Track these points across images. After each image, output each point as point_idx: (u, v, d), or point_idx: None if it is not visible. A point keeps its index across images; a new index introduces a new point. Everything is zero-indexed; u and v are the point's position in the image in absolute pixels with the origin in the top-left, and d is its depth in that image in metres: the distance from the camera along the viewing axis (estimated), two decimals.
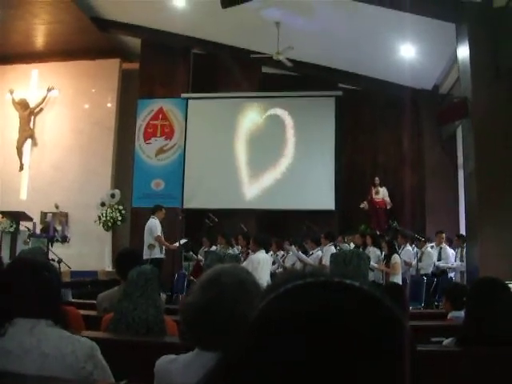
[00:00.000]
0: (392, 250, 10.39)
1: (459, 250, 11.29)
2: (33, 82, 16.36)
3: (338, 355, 0.62)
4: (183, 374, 1.92)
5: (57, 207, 15.17)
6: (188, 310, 1.99)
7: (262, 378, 0.64)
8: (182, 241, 11.63)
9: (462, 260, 10.98)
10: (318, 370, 0.62)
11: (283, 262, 11.78)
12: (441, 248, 11.64)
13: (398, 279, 9.85)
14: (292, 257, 11.61)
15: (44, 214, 14.81)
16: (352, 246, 12.07)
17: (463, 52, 9.45)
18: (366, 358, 0.63)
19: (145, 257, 9.63)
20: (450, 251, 11.67)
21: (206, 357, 1.89)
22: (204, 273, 2.10)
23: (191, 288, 2.08)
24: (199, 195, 15.32)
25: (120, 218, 14.55)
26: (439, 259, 11.53)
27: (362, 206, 14.66)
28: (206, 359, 1.86)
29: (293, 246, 11.62)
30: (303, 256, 11.33)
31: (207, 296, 1.94)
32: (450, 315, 4.71)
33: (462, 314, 4.40)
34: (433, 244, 11.89)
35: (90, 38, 14.93)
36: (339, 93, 15.51)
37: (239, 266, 2.19)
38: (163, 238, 10.88)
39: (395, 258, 10.19)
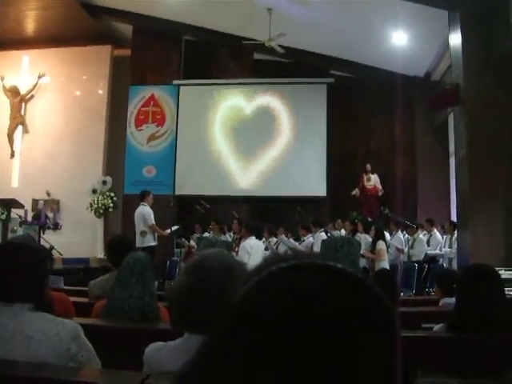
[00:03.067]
0: (378, 236, 10.35)
1: (448, 236, 11.33)
2: (23, 68, 16.27)
3: (321, 337, 0.62)
4: (173, 359, 1.93)
5: (48, 194, 15.14)
6: (173, 295, 2.04)
7: (244, 361, 0.64)
8: (174, 227, 11.62)
9: (450, 246, 11.03)
10: (300, 352, 0.61)
11: (276, 248, 11.80)
12: (430, 235, 11.70)
13: (384, 265, 9.79)
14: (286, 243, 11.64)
15: (35, 202, 14.77)
16: (343, 232, 12.11)
17: (455, 39, 9.44)
18: (349, 339, 0.63)
19: (138, 245, 9.60)
20: (440, 238, 11.71)
21: (193, 340, 1.92)
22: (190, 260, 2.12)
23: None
24: (191, 182, 15.33)
25: (112, 205, 14.56)
26: (428, 246, 11.59)
27: (353, 192, 14.69)
28: (193, 343, 1.86)
29: (283, 235, 11.65)
30: (293, 243, 11.37)
31: (192, 280, 1.97)
32: (441, 302, 4.73)
33: (453, 300, 4.43)
34: (425, 231, 11.94)
35: (80, 25, 14.85)
36: (331, 79, 15.51)
37: (225, 252, 2.21)
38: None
39: (380, 244, 10.13)
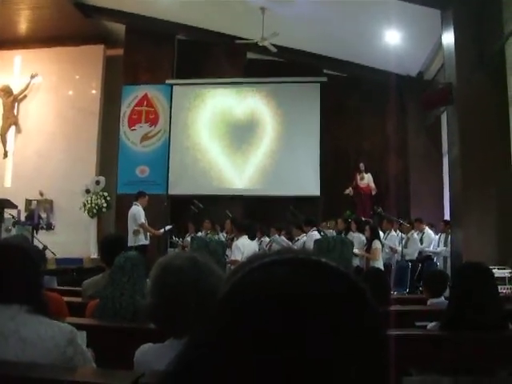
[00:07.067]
0: (374, 235, 10.35)
1: (444, 235, 11.34)
2: (16, 68, 16.20)
3: (303, 333, 0.62)
4: (162, 360, 1.96)
5: (41, 194, 15.09)
6: (147, 314, 2.19)
7: (229, 357, 0.64)
8: (167, 227, 11.64)
9: (445, 245, 11.04)
10: (282, 348, 0.61)
11: (269, 248, 11.77)
12: (423, 233, 11.72)
13: (379, 264, 9.78)
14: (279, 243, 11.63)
15: (29, 202, 14.73)
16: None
17: (448, 38, 9.45)
18: (331, 335, 0.63)
19: (130, 244, 9.61)
20: (433, 236, 11.74)
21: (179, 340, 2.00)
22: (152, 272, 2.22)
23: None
24: (184, 181, 15.32)
25: (105, 205, 14.50)
26: (421, 244, 11.62)
27: (346, 192, 14.68)
28: (181, 343, 1.92)
29: (276, 235, 11.65)
30: (287, 242, 11.37)
31: (159, 295, 2.10)
32: (429, 302, 4.73)
33: (440, 300, 4.47)
34: (417, 231, 11.96)
35: (73, 24, 14.80)
36: (324, 79, 15.52)
37: (181, 253, 2.29)
38: (147, 225, 10.89)
39: (375, 243, 10.13)
